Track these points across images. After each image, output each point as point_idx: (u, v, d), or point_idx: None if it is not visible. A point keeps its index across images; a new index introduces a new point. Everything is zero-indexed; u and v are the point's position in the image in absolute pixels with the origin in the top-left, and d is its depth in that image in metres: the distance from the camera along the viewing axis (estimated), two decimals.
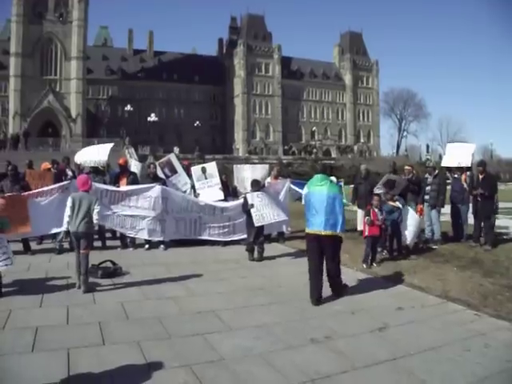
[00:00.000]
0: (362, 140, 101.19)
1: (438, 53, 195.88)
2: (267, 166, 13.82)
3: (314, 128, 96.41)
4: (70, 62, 72.49)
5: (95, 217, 7.04)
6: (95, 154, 11.87)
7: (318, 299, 6.35)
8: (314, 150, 79.51)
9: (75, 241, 7.25)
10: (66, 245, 10.23)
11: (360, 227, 11.23)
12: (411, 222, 9.77)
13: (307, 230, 6.58)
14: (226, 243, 11.24)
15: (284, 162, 63.33)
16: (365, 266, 8.71)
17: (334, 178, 7.09)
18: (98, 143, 52.18)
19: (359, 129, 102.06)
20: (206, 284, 7.60)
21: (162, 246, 10.85)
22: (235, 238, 11.18)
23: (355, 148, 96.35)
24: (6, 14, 73.78)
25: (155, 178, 11.11)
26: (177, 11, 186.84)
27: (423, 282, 7.42)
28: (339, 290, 6.72)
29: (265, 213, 9.84)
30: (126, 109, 70.54)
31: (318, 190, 6.49)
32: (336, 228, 6.38)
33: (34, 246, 10.69)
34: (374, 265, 8.83)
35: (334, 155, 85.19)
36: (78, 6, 71.86)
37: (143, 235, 10.61)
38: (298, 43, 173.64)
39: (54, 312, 6.05)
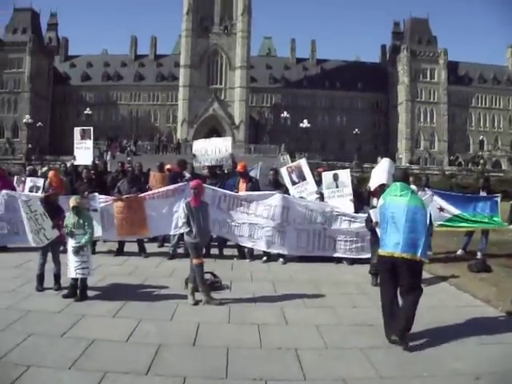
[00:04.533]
0: None
1: None
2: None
3: (483, 137, 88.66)
4: (234, 72, 75.83)
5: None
6: (213, 150, 11.10)
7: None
8: (482, 161, 72.87)
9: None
10: (180, 250, 9.88)
11: None
12: None
13: (380, 252, 5.41)
14: (354, 261, 9.82)
15: (447, 173, 59.07)
16: None
17: (414, 187, 5.73)
18: (256, 150, 52.87)
19: None
20: (307, 311, 6.51)
21: (281, 259, 9.93)
22: (365, 256, 9.49)
23: None
24: (177, 31, 79.92)
25: (276, 185, 10.31)
26: (338, 20, 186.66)
27: None
28: (404, 334, 5.11)
29: None
30: (282, 115, 71.11)
31: (396, 201, 5.29)
32: (416, 250, 5.09)
33: (153, 247, 10.61)
34: None
35: (504, 167, 77.37)
36: (241, 19, 75.11)
37: (261, 246, 9.86)
38: (465, 46, 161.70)
39: (119, 324, 5.68)
